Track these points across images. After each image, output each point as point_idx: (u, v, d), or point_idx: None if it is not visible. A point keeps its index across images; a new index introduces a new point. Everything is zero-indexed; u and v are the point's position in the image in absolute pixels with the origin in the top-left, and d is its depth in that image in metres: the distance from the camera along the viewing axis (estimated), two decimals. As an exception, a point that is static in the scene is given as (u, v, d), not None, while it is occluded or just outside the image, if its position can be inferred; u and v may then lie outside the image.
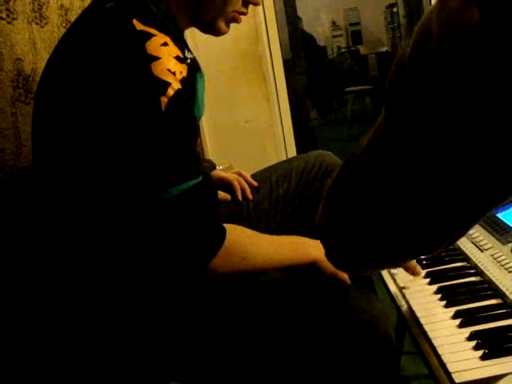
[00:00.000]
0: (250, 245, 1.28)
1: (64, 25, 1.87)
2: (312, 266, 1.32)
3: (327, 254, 0.75)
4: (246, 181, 1.72)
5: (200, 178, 1.17)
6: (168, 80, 1.11)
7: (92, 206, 1.20)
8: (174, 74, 1.12)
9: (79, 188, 1.20)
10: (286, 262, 1.31)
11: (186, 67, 1.17)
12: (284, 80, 3.03)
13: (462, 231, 0.63)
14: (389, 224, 0.61)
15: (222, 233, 1.22)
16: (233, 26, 1.36)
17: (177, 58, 1.15)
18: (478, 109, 0.48)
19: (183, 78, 1.15)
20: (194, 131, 1.22)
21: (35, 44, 1.67)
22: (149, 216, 1.17)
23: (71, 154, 1.19)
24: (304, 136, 3.41)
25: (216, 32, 1.35)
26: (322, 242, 0.74)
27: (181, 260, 1.20)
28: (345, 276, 1.33)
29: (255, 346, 1.23)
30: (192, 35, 2.67)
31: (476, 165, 0.51)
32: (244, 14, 1.35)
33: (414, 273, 1.31)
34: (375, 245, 0.65)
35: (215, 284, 1.27)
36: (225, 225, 1.24)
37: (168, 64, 1.12)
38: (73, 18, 1.73)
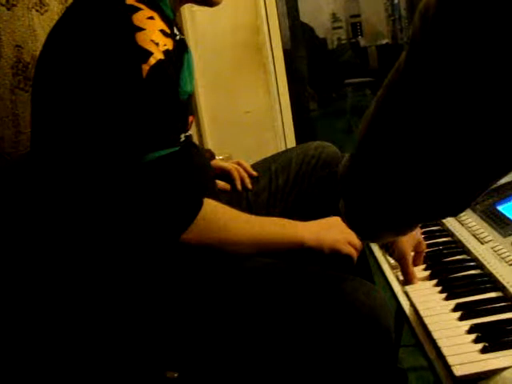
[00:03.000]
0: (229, 220, 1.27)
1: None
2: (307, 250, 1.31)
3: (346, 214, 0.74)
4: (246, 170, 1.73)
5: (177, 148, 1.18)
6: (150, 49, 1.14)
7: (79, 178, 1.22)
8: (157, 44, 1.15)
9: (72, 166, 1.22)
10: (273, 240, 1.30)
11: (171, 41, 1.20)
12: (284, 71, 3.02)
13: (479, 191, 0.61)
14: (406, 177, 0.60)
15: (198, 203, 1.21)
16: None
17: (162, 31, 1.18)
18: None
19: (167, 49, 1.17)
20: (175, 102, 1.23)
21: (35, 31, 1.66)
22: (125, 180, 1.18)
23: (63, 125, 1.22)
24: (303, 127, 3.40)
25: (210, 2, 1.36)
26: (343, 197, 0.72)
27: (154, 229, 1.20)
28: (348, 249, 1.33)
29: (252, 337, 1.23)
30: (193, 25, 2.66)
31: (495, 121, 0.50)
32: None
33: (410, 278, 1.31)
34: (393, 201, 0.64)
35: (212, 274, 1.26)
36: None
37: (152, 35, 1.15)
38: (73, 6, 1.72)
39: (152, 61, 1.13)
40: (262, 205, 1.67)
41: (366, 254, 1.63)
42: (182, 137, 1.25)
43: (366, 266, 1.63)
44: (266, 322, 1.23)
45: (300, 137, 3.12)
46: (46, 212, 1.28)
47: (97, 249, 1.23)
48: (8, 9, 1.55)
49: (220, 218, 1.26)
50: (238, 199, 1.66)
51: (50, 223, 1.27)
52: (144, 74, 1.13)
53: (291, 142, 3.04)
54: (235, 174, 1.70)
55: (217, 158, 1.87)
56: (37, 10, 1.69)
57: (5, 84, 1.52)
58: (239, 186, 1.69)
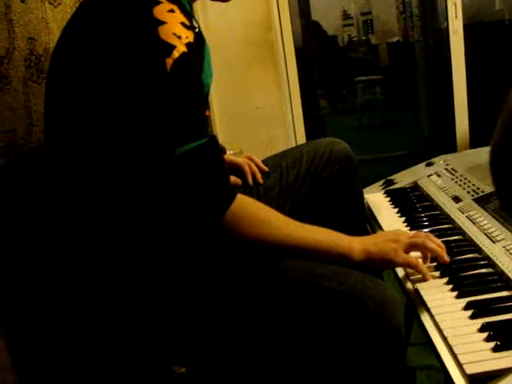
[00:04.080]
0: (263, 215, 1.25)
1: (77, 6, 1.86)
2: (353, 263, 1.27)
3: (500, 186, 0.57)
4: (257, 165, 1.73)
5: (206, 139, 1.17)
6: (173, 43, 1.14)
7: (103, 173, 1.22)
8: (179, 37, 1.15)
9: (90, 156, 1.22)
10: (314, 248, 1.26)
11: (192, 34, 1.20)
12: (295, 67, 3.03)
13: None
14: None
15: (230, 194, 1.20)
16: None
17: (182, 23, 1.18)
18: None
19: (189, 42, 1.17)
20: (200, 93, 1.22)
21: (48, 24, 1.67)
22: (156, 176, 1.18)
23: (82, 119, 1.21)
24: (314, 123, 3.40)
25: None
26: (498, 167, 0.56)
27: (188, 221, 1.20)
28: (403, 259, 1.30)
29: (259, 333, 1.23)
30: (205, 21, 2.65)
31: None
32: None
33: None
34: None
35: (220, 270, 1.26)
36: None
37: (174, 28, 1.15)
38: None
39: (175, 54, 1.13)
40: (272, 200, 1.67)
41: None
42: None
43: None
44: (273, 317, 1.22)
45: (310, 133, 3.13)
46: (67, 206, 1.28)
47: (113, 243, 1.23)
48: (22, 1, 1.55)
49: (253, 211, 1.24)
50: (248, 194, 1.65)
51: (72, 217, 1.27)
52: (168, 68, 1.12)
53: (301, 139, 3.05)
54: (246, 169, 1.70)
55: (228, 152, 1.87)
56: (50, 3, 1.70)
57: (18, 76, 1.52)
58: (250, 181, 1.69)
